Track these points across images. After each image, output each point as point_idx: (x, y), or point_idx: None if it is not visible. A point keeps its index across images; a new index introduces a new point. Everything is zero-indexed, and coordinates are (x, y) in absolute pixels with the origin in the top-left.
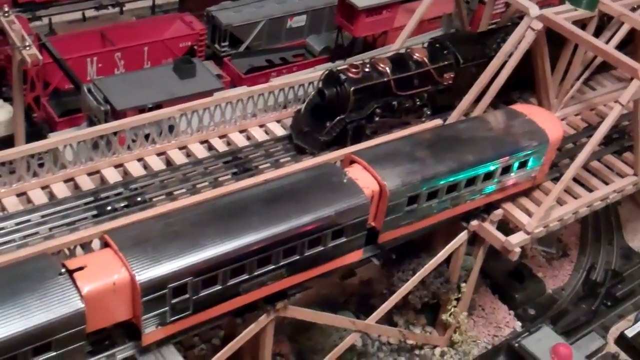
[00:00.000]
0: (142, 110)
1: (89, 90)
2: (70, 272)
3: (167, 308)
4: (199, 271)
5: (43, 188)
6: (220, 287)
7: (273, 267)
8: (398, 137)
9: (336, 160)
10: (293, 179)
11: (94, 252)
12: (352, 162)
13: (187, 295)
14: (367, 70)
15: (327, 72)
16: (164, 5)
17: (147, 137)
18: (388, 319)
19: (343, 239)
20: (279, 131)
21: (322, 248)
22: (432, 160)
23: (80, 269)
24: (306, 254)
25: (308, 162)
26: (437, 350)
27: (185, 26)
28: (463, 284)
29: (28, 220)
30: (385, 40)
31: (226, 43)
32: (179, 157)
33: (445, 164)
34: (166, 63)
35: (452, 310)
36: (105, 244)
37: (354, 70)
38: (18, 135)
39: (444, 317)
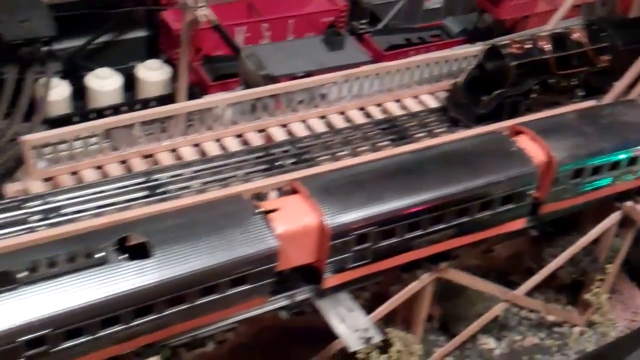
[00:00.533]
0: (294, 78)
1: (248, 56)
2: (265, 213)
3: (349, 254)
4: (382, 222)
5: (217, 141)
6: (397, 239)
7: (444, 226)
8: (562, 112)
9: (500, 131)
10: (464, 144)
11: (285, 197)
12: (518, 132)
13: (368, 244)
14: (528, 47)
15: (489, 46)
16: None
17: (310, 100)
18: (529, 296)
19: (510, 205)
20: (432, 103)
21: (490, 212)
22: (598, 136)
23: (274, 210)
24: (475, 217)
25: (473, 131)
26: (576, 330)
27: (328, 1)
28: (608, 265)
29: (203, 170)
30: (526, 25)
31: (366, 20)
32: (339, 122)
33: (610, 142)
34: (308, 37)
35: (596, 290)
36: (293, 191)
37: (516, 46)
38: (181, 94)
39: (586, 296)
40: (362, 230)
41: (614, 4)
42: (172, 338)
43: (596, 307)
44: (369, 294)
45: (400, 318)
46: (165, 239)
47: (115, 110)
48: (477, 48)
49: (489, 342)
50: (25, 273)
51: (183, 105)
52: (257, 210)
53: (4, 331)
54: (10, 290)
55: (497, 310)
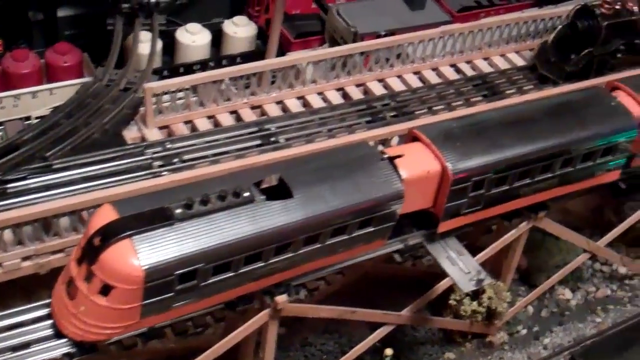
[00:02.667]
0: (378, 36)
1: (337, 13)
2: (391, 159)
3: (465, 200)
4: (497, 169)
5: (298, 98)
6: (507, 187)
7: (551, 175)
8: None
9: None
10: (568, 98)
11: (408, 144)
12: (614, 89)
13: (482, 191)
14: (617, 7)
15: (580, 6)
16: None
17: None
18: None
19: (609, 157)
20: (519, 61)
21: (591, 163)
22: None
23: (399, 156)
24: (578, 167)
25: (574, 85)
26: None
27: None
28: None
29: (310, 120)
30: None
31: None
32: (432, 78)
33: None
34: None
35: None
36: (413, 139)
37: (607, 6)
38: (272, 47)
39: None
40: (480, 177)
41: None
42: (299, 278)
43: None
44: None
45: (489, 267)
46: (305, 181)
47: (203, 65)
48: (564, 9)
49: (565, 293)
50: (181, 210)
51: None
52: (384, 156)
53: (161, 263)
54: (167, 225)
55: (578, 261)
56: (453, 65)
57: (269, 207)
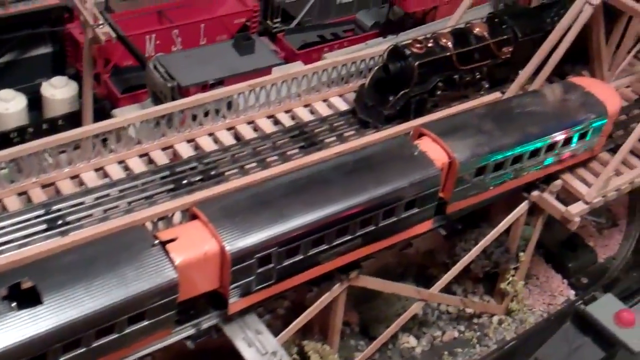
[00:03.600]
0: (204, 86)
1: (155, 67)
2: (163, 244)
3: (252, 277)
4: (283, 241)
5: (119, 163)
6: (301, 256)
7: (350, 237)
8: (464, 110)
9: (404, 133)
10: (366, 152)
11: (184, 224)
12: (421, 135)
13: (271, 265)
14: (430, 45)
15: (391, 47)
16: None
17: (217, 111)
18: (447, 290)
19: (415, 210)
20: (342, 105)
21: (395, 219)
22: (498, 133)
23: (172, 240)
24: (381, 225)
25: (377, 135)
26: (495, 319)
27: (239, 3)
28: (521, 253)
29: (107, 195)
30: (435, 15)
31: (278, 19)
32: (247, 132)
33: (511, 136)
34: (221, 40)
35: (511, 279)
36: (193, 216)
37: (418, 45)
38: (87, 113)
39: (502, 286)
40: (264, 253)
41: None
42: None
43: (513, 295)
44: (289, 303)
45: (318, 328)
46: (58, 282)
47: (21, 132)
48: (382, 48)
49: (409, 341)
50: None
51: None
52: (155, 242)
53: None
54: None
55: (414, 309)
56: (271, 117)
57: (16, 317)
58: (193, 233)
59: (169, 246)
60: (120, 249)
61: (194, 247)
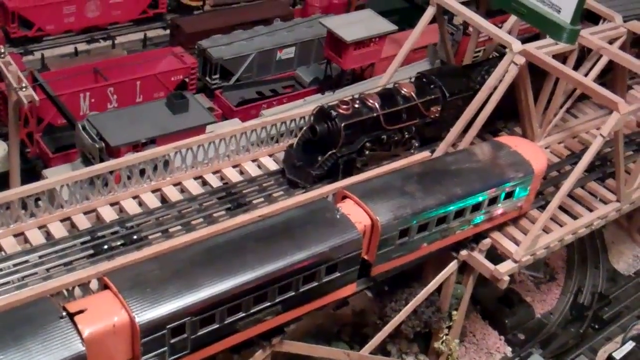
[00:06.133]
0: (136, 145)
1: (84, 128)
2: (71, 315)
3: (165, 348)
4: (196, 311)
5: (40, 227)
6: (217, 325)
7: (269, 304)
8: (388, 171)
9: (329, 194)
10: (287, 216)
11: (94, 295)
12: (344, 197)
13: (185, 335)
14: (356, 105)
15: (318, 108)
16: (154, 39)
17: (142, 173)
18: (381, 349)
19: (337, 274)
20: (272, 165)
21: (316, 283)
22: (421, 194)
23: (81, 312)
24: (301, 290)
25: (301, 197)
26: None
27: (176, 60)
28: (454, 312)
29: (26, 261)
30: (373, 71)
31: (217, 76)
32: (173, 194)
33: (435, 197)
34: (158, 97)
35: (444, 338)
36: (104, 286)
37: (344, 106)
38: (13, 174)
39: (436, 345)
40: (176, 323)
41: (447, 51)
42: None
43: (447, 354)
44: None
45: None
46: None
47: None
48: (310, 107)
49: None
50: None
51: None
52: (63, 314)
53: None
54: None
55: None
56: (199, 178)
57: None
58: (103, 304)
59: (77, 318)
60: (25, 322)
61: (103, 319)
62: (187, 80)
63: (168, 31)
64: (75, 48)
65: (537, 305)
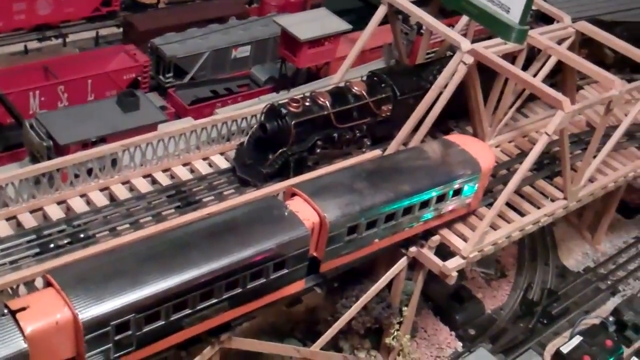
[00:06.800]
0: (85, 144)
1: (31, 126)
2: (13, 313)
3: (110, 345)
4: (141, 308)
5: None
6: (163, 322)
7: (215, 300)
8: (338, 169)
9: (278, 192)
10: (235, 213)
11: (37, 292)
12: (293, 194)
13: (130, 332)
14: (307, 104)
15: (268, 106)
16: (107, 37)
17: (89, 171)
18: (334, 345)
19: (285, 271)
20: (223, 164)
21: (264, 280)
22: (370, 191)
23: (23, 309)
24: (248, 287)
25: (250, 195)
26: None
27: (129, 58)
28: (405, 308)
29: None
30: (329, 70)
31: (170, 74)
32: (122, 192)
33: (383, 194)
34: (110, 95)
35: (395, 333)
36: (47, 284)
37: (294, 104)
38: None
39: (387, 340)
40: (120, 320)
41: (400, 50)
42: None
43: (399, 350)
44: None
45: None
46: None
47: None
48: (261, 106)
49: None
50: None
51: None
52: (4, 311)
53: None
54: None
55: None
56: (148, 176)
57: None
58: (45, 301)
59: (19, 315)
60: None
61: (45, 316)
62: (139, 78)
63: (121, 29)
64: (25, 46)
65: (488, 301)
